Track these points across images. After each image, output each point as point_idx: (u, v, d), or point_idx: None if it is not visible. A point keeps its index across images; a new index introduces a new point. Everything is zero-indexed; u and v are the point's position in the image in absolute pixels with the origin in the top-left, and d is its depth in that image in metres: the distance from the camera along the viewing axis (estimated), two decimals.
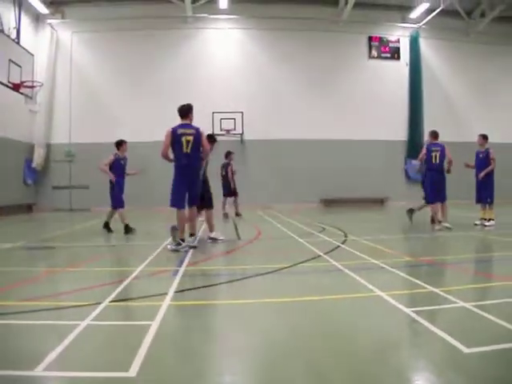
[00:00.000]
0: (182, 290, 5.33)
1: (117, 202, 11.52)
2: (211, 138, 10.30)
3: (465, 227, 12.32)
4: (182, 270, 6.49)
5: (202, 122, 21.69)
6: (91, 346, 3.56)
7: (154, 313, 4.24)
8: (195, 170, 8.65)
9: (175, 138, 8.41)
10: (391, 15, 25.80)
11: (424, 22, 25.18)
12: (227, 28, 24.38)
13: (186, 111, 8.73)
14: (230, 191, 16.82)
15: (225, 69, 24.03)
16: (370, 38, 25.70)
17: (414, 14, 25.17)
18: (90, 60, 23.76)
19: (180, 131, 8.45)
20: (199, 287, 5.64)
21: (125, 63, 23.52)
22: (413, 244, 10.28)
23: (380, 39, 25.87)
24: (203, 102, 22.27)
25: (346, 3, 23.77)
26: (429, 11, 24.38)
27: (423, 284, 5.40)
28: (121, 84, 23.60)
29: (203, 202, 9.62)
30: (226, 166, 16.86)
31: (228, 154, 17.15)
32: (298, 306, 4.72)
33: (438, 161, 11.70)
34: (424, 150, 12.08)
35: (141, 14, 22.85)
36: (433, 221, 11.98)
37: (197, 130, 8.57)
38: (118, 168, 11.54)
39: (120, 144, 11.79)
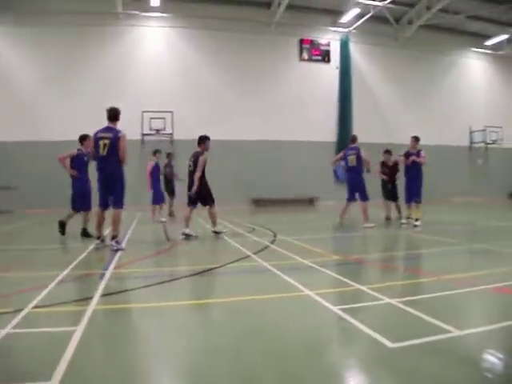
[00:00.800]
0: (108, 294, 5.16)
1: (85, 204, 10.70)
2: (206, 139, 11.18)
3: (393, 225, 12.71)
4: (108, 272, 6.32)
5: (131, 120, 21.40)
6: (11, 355, 3.39)
7: (79, 318, 4.10)
8: (111, 173, 8.60)
9: (95, 140, 8.65)
10: (322, 19, 26.39)
11: (354, 26, 25.96)
12: (159, 26, 23.98)
13: (112, 116, 8.80)
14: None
15: (155, 67, 23.66)
16: (302, 41, 26.16)
17: (345, 19, 25.93)
18: (10, 55, 22.62)
19: (99, 135, 8.61)
20: (126, 290, 5.51)
21: (51, 59, 22.51)
22: (341, 243, 10.45)
23: (311, 42, 26.37)
24: (133, 100, 21.90)
25: (279, 5, 24.08)
26: (359, 16, 25.21)
27: (350, 282, 5.49)
28: (46, 80, 22.55)
29: (204, 200, 11.08)
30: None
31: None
32: (226, 306, 4.69)
33: (354, 163, 12.44)
34: (341, 154, 13.02)
35: (69, 7, 21.97)
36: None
37: (115, 133, 8.57)
38: (81, 164, 10.66)
39: (84, 138, 10.74)
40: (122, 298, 5.13)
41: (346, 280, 5.65)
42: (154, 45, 24.05)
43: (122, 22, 23.21)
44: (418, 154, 12.48)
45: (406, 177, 12.70)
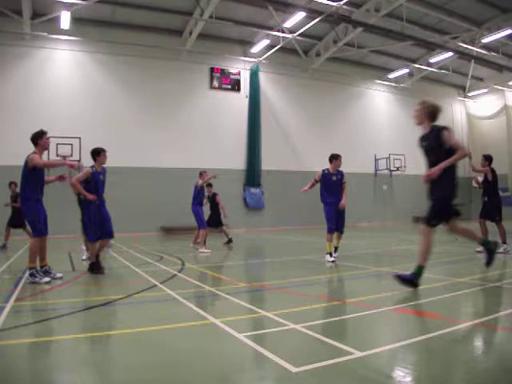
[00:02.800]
0: (7, 329, 4.78)
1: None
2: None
3: (299, 252, 12.83)
4: (8, 306, 5.88)
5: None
6: None
7: None
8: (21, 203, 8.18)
9: None
10: (233, 48, 26.84)
11: (264, 57, 26.52)
12: (68, 49, 23.23)
13: (32, 140, 8.27)
14: None
15: (63, 91, 22.88)
16: (212, 69, 26.37)
17: (255, 49, 26.48)
18: None
19: None
20: (27, 324, 5.11)
21: None
22: (249, 270, 10.45)
23: (222, 71, 26.69)
24: (38, 124, 20.84)
25: (190, 34, 24.28)
26: (269, 47, 25.86)
27: (256, 309, 5.46)
28: None
29: None
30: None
31: None
32: (131, 338, 4.50)
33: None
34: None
35: None
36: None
37: (26, 159, 8.02)
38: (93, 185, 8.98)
39: (97, 153, 9.12)
40: (22, 333, 4.74)
41: (251, 307, 5.62)
42: (63, 68, 23.28)
43: (29, 42, 22.27)
44: (340, 175, 11.06)
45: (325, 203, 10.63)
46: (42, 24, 21.42)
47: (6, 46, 21.72)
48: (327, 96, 29.86)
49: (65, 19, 21.15)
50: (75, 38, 22.89)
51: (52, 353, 4.19)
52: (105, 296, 6.51)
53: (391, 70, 31.53)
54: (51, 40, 22.54)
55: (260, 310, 5.35)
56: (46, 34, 21.99)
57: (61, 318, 5.33)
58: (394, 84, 32.40)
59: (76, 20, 21.99)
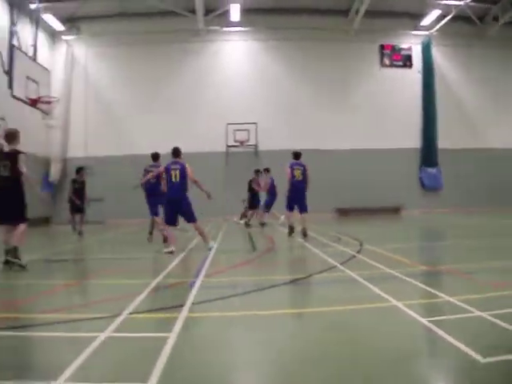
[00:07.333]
0: (199, 302, 5.31)
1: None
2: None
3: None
4: (198, 281, 6.49)
5: (214, 133, 21.89)
6: (110, 357, 3.58)
7: (171, 325, 4.24)
8: (180, 197, 10.15)
9: (167, 170, 10.45)
10: (402, 23, 25.87)
11: (436, 28, 25.26)
12: (239, 40, 24.41)
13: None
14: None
15: (238, 80, 24.09)
16: (382, 47, 25.78)
17: (426, 22, 25.28)
18: (103, 74, 24.08)
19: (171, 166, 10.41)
20: (216, 299, 5.54)
21: (138, 76, 23.75)
22: (428, 252, 10.24)
23: (392, 47, 25.94)
24: (216, 114, 22.45)
25: (357, 12, 23.93)
26: (440, 18, 24.50)
27: (438, 293, 5.36)
28: (134, 97, 23.80)
29: None
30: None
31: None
32: (315, 316, 4.75)
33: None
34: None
35: (153, 27, 23.07)
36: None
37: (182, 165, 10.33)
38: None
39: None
40: (212, 307, 5.23)
41: (433, 291, 5.53)
42: (236, 58, 24.50)
43: (202, 38, 23.76)
44: None
45: None
46: (214, 19, 22.77)
47: (182, 43, 23.46)
48: (508, 65, 26.92)
49: (235, 11, 22.20)
50: (245, 28, 23.87)
51: (239, 327, 4.54)
52: (286, 275, 6.82)
53: None
54: (223, 33, 23.89)
55: (442, 294, 5.24)
56: (218, 27, 23.27)
57: (246, 295, 5.78)
58: None
59: (244, 11, 22.85)
